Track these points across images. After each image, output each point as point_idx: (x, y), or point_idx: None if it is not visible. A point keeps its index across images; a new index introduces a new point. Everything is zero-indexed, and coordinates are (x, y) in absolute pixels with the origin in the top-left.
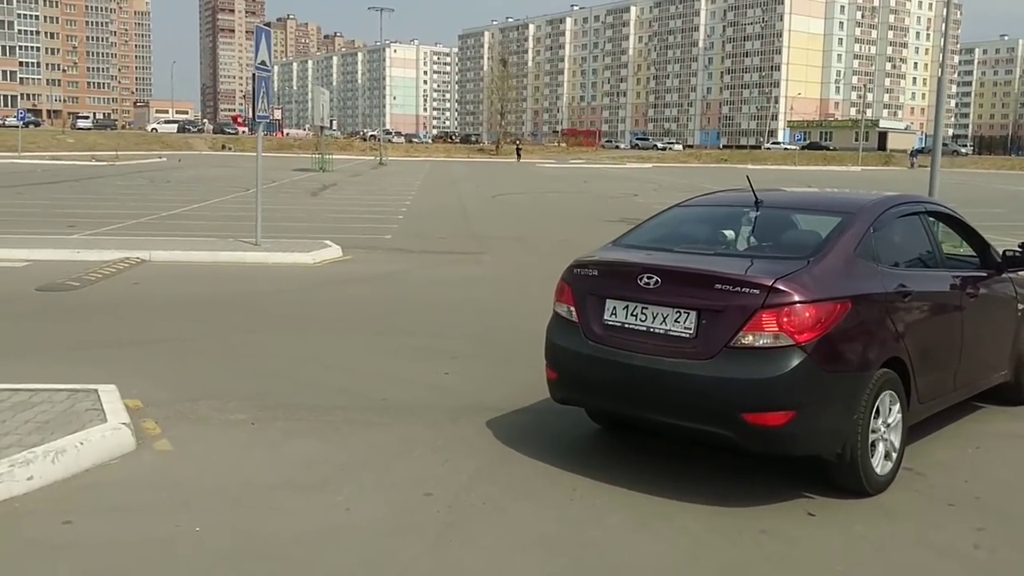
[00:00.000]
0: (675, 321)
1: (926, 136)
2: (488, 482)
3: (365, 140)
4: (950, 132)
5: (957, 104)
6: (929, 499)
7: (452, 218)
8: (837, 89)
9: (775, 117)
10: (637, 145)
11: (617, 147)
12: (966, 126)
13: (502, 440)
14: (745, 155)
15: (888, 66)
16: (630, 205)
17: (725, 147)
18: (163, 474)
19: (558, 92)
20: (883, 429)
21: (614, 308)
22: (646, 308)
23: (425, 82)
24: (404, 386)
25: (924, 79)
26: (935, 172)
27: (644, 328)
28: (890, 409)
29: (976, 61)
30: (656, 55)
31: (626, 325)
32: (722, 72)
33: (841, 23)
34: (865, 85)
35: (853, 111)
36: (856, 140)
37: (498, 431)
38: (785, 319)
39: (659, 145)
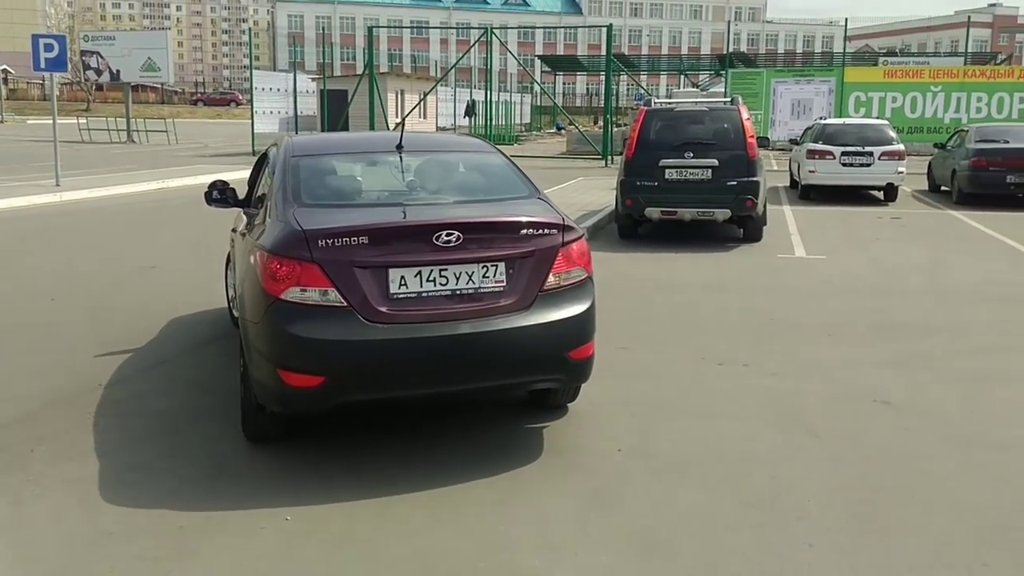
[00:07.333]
0: (483, 276)
1: None
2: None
3: None
4: None
5: None
6: None
7: None
8: None
9: None
10: None
11: None
12: None
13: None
14: None
15: None
16: None
17: None
18: None
19: None
20: None
21: (402, 278)
22: (445, 269)
23: None
24: None
25: None
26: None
27: (448, 292)
28: None
29: None
30: None
31: (423, 294)
32: None
33: None
34: None
35: None
36: None
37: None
38: (577, 254)
39: None
